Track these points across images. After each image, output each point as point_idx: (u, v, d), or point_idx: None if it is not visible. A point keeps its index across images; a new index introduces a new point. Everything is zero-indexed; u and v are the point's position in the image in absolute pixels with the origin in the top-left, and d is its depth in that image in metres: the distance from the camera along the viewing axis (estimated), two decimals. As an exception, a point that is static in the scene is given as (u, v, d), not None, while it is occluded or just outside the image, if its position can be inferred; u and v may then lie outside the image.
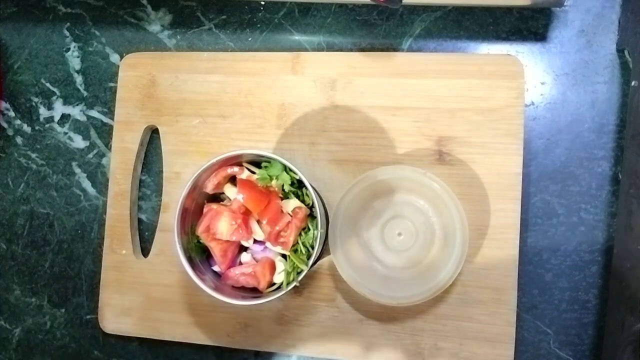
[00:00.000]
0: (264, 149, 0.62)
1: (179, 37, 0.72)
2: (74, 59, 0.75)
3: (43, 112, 0.75)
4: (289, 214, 0.60)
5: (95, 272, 0.72)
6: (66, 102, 0.75)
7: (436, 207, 0.61)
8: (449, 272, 0.58)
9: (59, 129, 0.74)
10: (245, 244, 0.62)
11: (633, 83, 0.61)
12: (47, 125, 0.75)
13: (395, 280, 0.62)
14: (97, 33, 0.74)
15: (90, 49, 0.74)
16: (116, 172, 0.71)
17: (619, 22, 0.65)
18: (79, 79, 0.75)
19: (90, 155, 0.74)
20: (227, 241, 0.61)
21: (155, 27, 0.73)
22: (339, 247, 0.60)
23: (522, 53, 0.66)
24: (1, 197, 0.75)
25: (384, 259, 0.62)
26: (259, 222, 0.61)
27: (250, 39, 0.71)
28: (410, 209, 0.62)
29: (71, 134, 0.74)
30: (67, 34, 0.75)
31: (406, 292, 0.59)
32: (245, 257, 0.63)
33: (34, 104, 0.75)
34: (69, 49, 0.75)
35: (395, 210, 0.62)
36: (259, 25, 0.71)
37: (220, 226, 0.60)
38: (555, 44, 0.66)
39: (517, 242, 0.62)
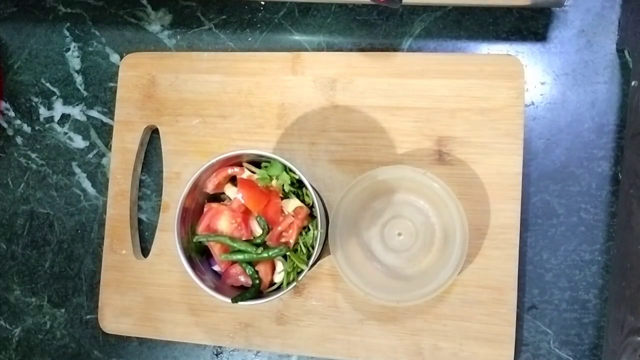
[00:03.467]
0: (264, 149, 0.62)
1: (179, 37, 0.72)
2: (74, 59, 0.75)
3: (43, 112, 0.75)
4: (291, 214, 0.60)
5: (95, 272, 0.72)
6: (66, 102, 0.75)
7: (436, 208, 0.61)
8: (449, 273, 0.58)
9: (59, 129, 0.74)
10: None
11: (633, 83, 0.61)
12: (47, 125, 0.75)
13: (396, 280, 0.62)
14: (97, 33, 0.74)
15: (90, 49, 0.74)
16: (116, 172, 0.71)
17: (619, 22, 0.65)
18: (79, 79, 0.75)
19: (90, 155, 0.74)
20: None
21: (155, 27, 0.73)
22: (339, 247, 0.60)
23: (522, 53, 0.66)
24: (1, 197, 0.75)
25: (384, 259, 0.62)
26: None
27: (250, 39, 0.71)
28: (411, 209, 0.62)
29: (71, 134, 0.74)
30: (67, 34, 0.75)
31: (406, 293, 0.59)
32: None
33: (34, 104, 0.75)
34: (69, 49, 0.75)
35: (395, 211, 0.62)
36: (259, 25, 0.71)
37: (220, 225, 0.60)
38: (555, 44, 0.66)
39: (517, 242, 0.62)
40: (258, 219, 0.60)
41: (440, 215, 0.61)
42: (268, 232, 0.60)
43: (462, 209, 0.58)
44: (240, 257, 0.60)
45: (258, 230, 0.61)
